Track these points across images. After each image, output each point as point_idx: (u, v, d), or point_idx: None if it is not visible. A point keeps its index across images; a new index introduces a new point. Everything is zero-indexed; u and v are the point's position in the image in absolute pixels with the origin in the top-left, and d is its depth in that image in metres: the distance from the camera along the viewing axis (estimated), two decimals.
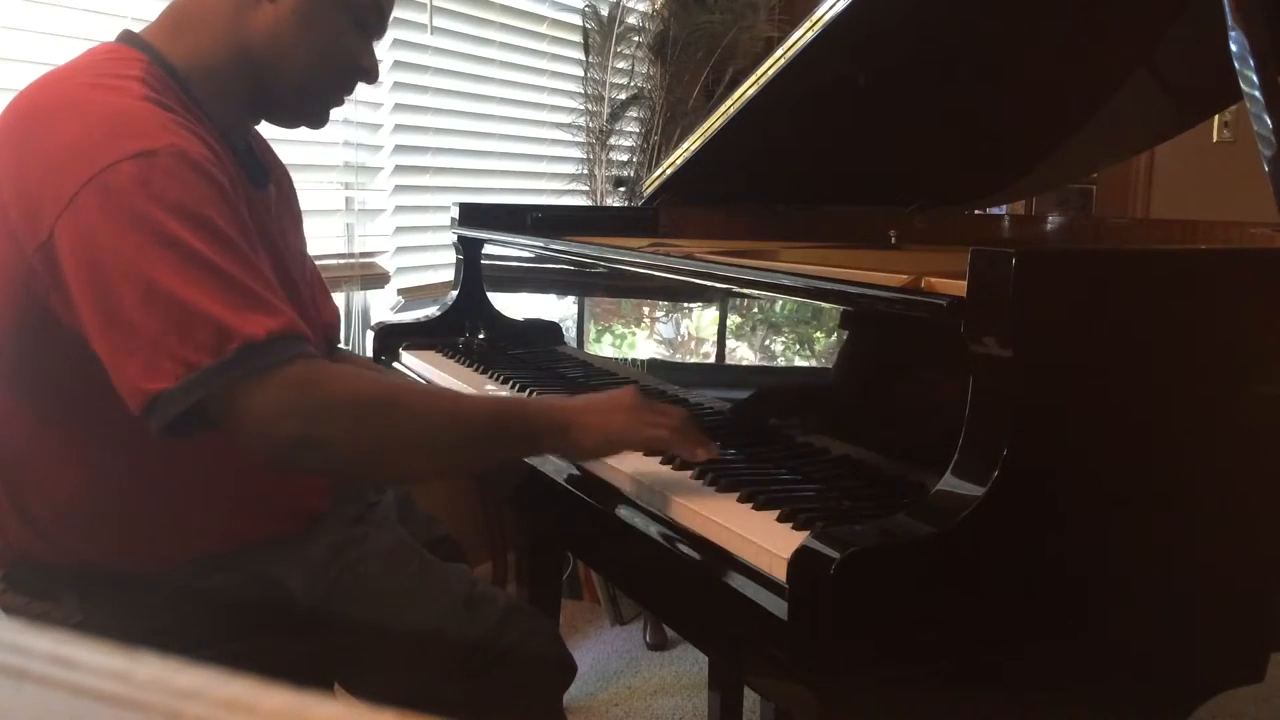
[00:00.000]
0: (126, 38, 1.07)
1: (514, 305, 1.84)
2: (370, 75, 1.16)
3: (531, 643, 1.18)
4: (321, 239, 2.22)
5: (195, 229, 0.90)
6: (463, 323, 1.85)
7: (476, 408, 1.05)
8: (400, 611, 1.13)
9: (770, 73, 1.60)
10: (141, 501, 1.03)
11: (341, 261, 2.23)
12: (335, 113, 1.21)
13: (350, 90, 1.17)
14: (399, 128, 2.32)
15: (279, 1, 1.07)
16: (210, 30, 1.07)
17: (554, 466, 1.18)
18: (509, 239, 1.78)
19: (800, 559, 0.78)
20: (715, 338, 1.35)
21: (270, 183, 1.19)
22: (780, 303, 1.21)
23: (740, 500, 0.97)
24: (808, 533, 0.84)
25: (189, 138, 0.95)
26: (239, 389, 0.89)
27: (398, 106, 2.30)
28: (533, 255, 1.78)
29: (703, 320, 1.38)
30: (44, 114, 0.97)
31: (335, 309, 1.37)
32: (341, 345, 1.81)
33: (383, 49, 2.17)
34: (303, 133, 1.22)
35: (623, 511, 1.05)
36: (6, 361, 1.00)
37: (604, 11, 2.86)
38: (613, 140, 2.91)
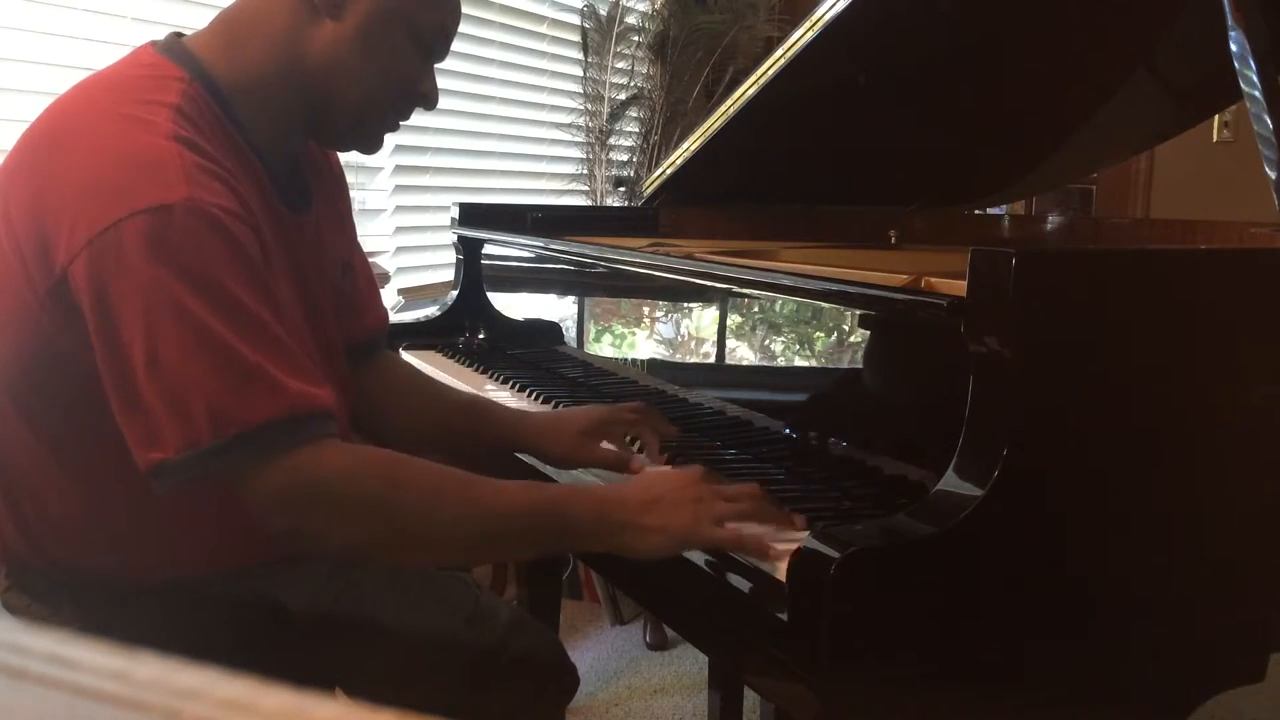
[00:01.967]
0: (170, 46, 1.02)
1: (514, 305, 1.84)
2: (430, 101, 1.11)
3: (534, 657, 1.17)
4: None
5: (204, 296, 0.86)
6: (463, 323, 1.85)
7: (505, 500, 0.93)
8: (402, 629, 1.11)
9: (770, 73, 1.60)
10: (139, 523, 1.01)
11: None
12: None
13: (407, 115, 1.12)
14: (399, 128, 2.32)
15: (342, 20, 1.01)
16: (264, 45, 1.01)
17: (553, 468, 1.18)
18: (509, 239, 1.78)
19: (800, 559, 0.78)
20: (715, 338, 1.35)
21: (311, 204, 1.13)
22: (780, 303, 1.21)
23: None
24: (807, 533, 0.84)
25: (212, 186, 0.90)
26: (237, 472, 0.87)
27: None
28: (533, 255, 1.78)
29: (703, 320, 1.38)
30: (65, 142, 0.93)
31: (384, 311, 1.33)
32: None
33: None
34: None
35: None
36: (11, 382, 0.98)
37: (603, 11, 2.86)
38: (613, 140, 2.91)
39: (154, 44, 1.03)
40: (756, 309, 1.26)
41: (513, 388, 1.51)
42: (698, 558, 0.92)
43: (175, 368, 0.85)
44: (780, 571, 0.81)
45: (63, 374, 0.93)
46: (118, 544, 1.02)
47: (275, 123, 1.04)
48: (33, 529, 1.02)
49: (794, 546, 0.81)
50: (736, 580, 0.87)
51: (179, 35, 1.04)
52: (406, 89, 1.08)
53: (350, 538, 0.92)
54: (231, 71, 1.01)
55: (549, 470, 1.19)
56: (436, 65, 1.11)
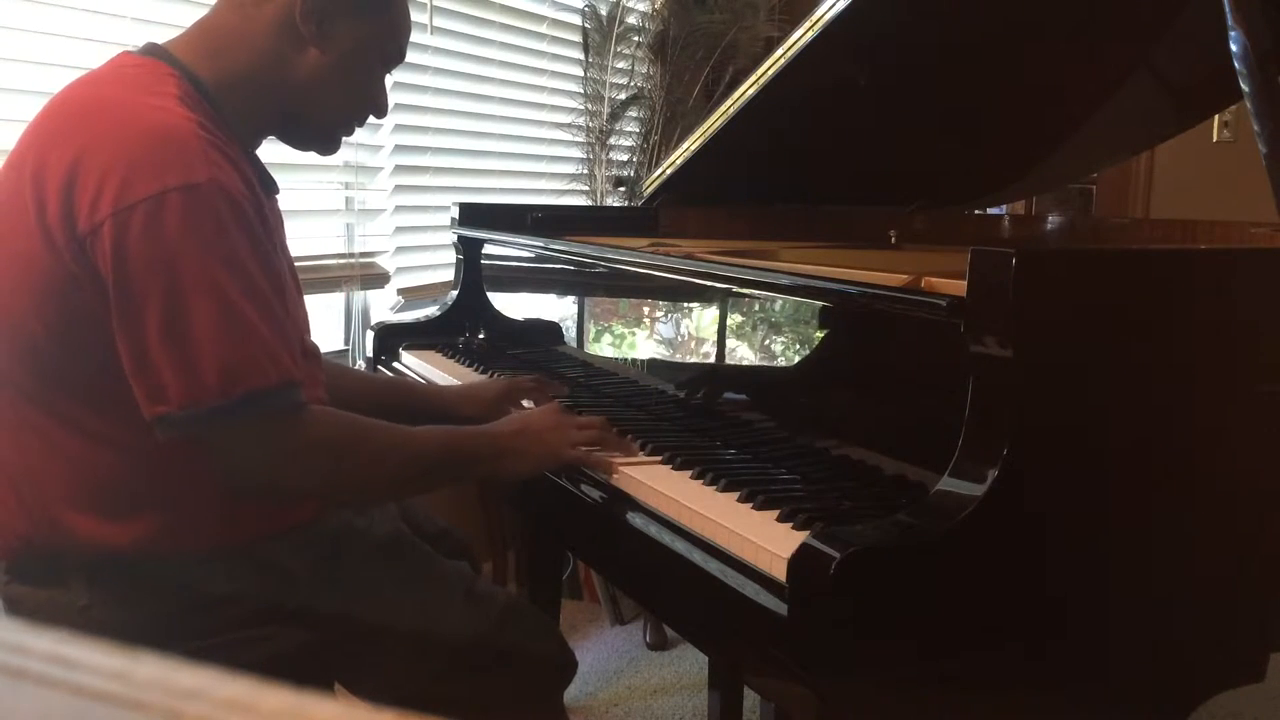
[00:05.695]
0: (152, 50, 1.09)
1: (514, 305, 1.84)
2: (383, 110, 1.23)
3: (532, 640, 1.19)
4: (321, 239, 2.22)
5: (226, 269, 0.96)
6: (463, 323, 1.85)
7: (430, 443, 1.12)
8: (400, 604, 1.14)
9: (770, 73, 1.60)
10: (153, 490, 1.04)
11: (341, 261, 2.23)
12: None
13: (364, 123, 1.24)
14: (399, 128, 2.32)
15: (326, 51, 1.11)
16: (248, 59, 1.10)
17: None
18: (509, 239, 1.78)
19: (800, 558, 0.78)
20: (715, 338, 1.35)
21: (278, 190, 1.22)
22: (780, 303, 1.21)
23: (740, 500, 0.97)
24: (808, 533, 0.84)
25: (227, 168, 0.99)
26: (229, 431, 0.98)
27: (398, 106, 2.30)
28: (533, 255, 1.78)
29: (703, 320, 1.38)
30: (93, 116, 0.99)
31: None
32: (343, 346, 1.82)
33: None
34: None
35: (623, 511, 1.05)
36: (23, 347, 1.01)
37: (604, 11, 2.86)
38: (613, 140, 2.90)
39: (130, 52, 1.10)
40: (756, 309, 1.26)
41: None
42: (694, 553, 0.92)
43: (196, 333, 0.94)
44: (756, 556, 0.81)
45: (76, 334, 0.99)
46: (131, 512, 1.04)
47: (252, 124, 1.13)
48: (49, 503, 1.03)
49: (636, 463, 1.08)
50: (735, 580, 0.87)
51: (155, 45, 1.11)
52: (371, 105, 1.21)
53: (321, 484, 1.06)
54: (214, 74, 1.09)
55: None
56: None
